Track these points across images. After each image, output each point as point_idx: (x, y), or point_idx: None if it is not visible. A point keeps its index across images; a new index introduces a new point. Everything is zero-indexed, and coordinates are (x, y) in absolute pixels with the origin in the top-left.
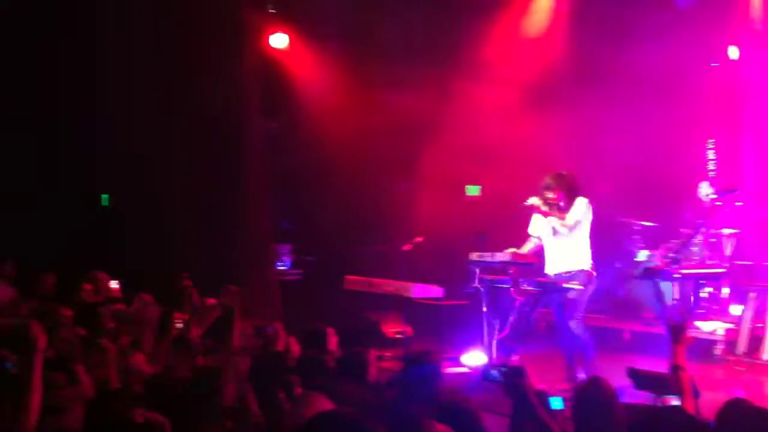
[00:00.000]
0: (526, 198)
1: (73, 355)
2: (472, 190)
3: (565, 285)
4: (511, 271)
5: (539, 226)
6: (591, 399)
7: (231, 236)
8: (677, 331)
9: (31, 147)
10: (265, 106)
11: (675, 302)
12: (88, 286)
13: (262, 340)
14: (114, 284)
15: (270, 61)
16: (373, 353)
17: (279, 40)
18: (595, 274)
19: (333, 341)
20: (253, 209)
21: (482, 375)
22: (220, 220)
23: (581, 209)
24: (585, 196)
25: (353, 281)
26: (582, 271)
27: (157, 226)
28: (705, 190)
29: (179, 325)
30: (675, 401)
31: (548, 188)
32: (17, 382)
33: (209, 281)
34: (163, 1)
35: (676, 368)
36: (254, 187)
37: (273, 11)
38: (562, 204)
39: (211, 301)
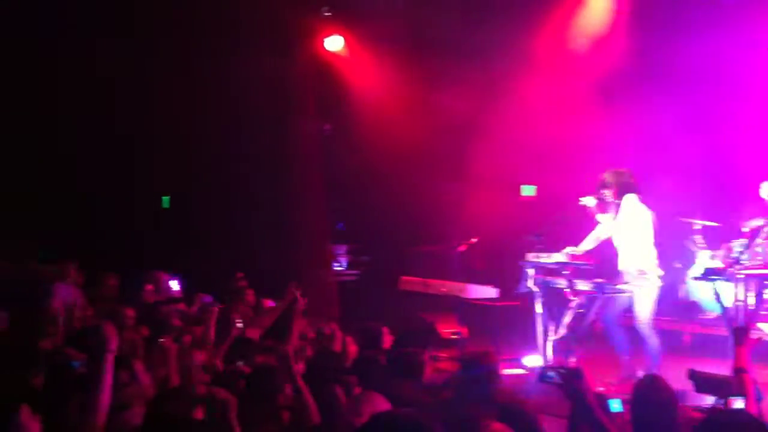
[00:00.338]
0: (582, 197)
1: (135, 354)
2: (528, 190)
3: (620, 286)
4: (566, 272)
5: (604, 226)
6: (649, 398)
7: (288, 237)
8: (740, 333)
9: (92, 150)
10: (319, 108)
11: (738, 304)
12: (149, 287)
13: (320, 340)
14: (174, 284)
15: (325, 63)
16: (427, 353)
17: (334, 43)
18: (659, 275)
19: (388, 341)
20: (310, 210)
21: (539, 377)
22: (278, 221)
23: (628, 208)
24: (641, 194)
25: (408, 282)
26: (637, 270)
27: (216, 228)
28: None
29: (239, 325)
30: (738, 403)
31: (604, 186)
32: (84, 382)
33: (268, 282)
34: (219, 4)
35: (738, 371)
36: (310, 188)
37: (328, 14)
38: (618, 202)
39: (268, 302)
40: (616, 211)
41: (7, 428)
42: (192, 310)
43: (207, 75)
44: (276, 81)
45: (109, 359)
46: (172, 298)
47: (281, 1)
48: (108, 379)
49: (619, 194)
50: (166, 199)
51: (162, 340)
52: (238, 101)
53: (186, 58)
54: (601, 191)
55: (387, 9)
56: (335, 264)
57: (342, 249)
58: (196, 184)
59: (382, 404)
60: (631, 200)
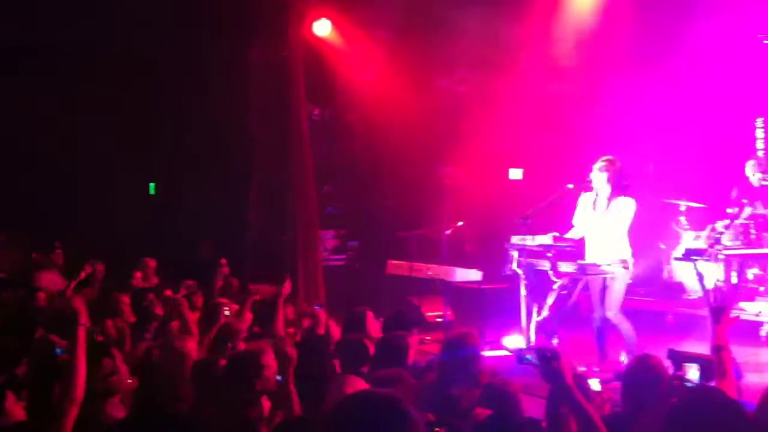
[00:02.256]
0: (569, 181)
1: (122, 342)
2: (516, 173)
3: (603, 267)
4: (550, 254)
5: (582, 216)
6: (640, 376)
7: (277, 221)
8: (719, 312)
9: (82, 137)
10: (309, 92)
11: (718, 283)
12: (138, 273)
13: (306, 325)
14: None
15: (314, 47)
16: (414, 337)
17: (323, 27)
18: (631, 263)
19: (373, 325)
20: (299, 195)
21: (518, 358)
22: (266, 205)
23: (625, 209)
24: (631, 183)
25: (395, 265)
26: (619, 260)
27: (203, 213)
28: (752, 170)
29: (227, 312)
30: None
31: (598, 172)
32: (66, 368)
33: (256, 266)
34: None
35: (717, 348)
36: (299, 172)
37: None
38: (609, 189)
39: (253, 287)
40: (597, 197)
41: None
42: (177, 296)
43: (196, 60)
44: (264, 66)
45: (82, 333)
46: (159, 285)
47: None
48: (82, 353)
49: (612, 182)
50: (152, 185)
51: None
52: (228, 86)
53: (175, 44)
54: (594, 177)
55: None
56: (323, 248)
57: (330, 234)
58: (183, 170)
59: (360, 386)
60: (629, 203)
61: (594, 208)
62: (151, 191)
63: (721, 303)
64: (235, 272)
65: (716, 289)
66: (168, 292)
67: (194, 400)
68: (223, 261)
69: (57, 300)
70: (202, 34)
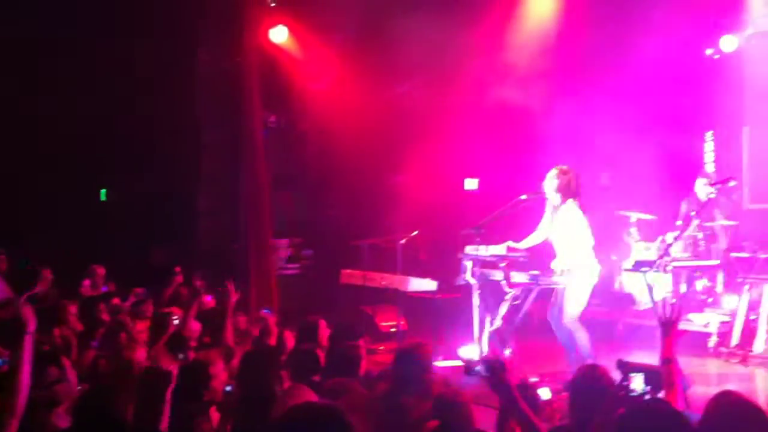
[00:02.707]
0: (523, 192)
1: (69, 351)
2: (471, 183)
3: (555, 277)
4: (503, 265)
5: (542, 224)
6: (586, 386)
7: (230, 230)
8: (667, 325)
9: (30, 141)
10: (266, 99)
11: (667, 295)
12: (86, 281)
13: (255, 334)
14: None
15: (271, 54)
16: (363, 346)
17: (279, 34)
18: (592, 269)
19: (325, 334)
20: (252, 203)
21: (466, 369)
22: (219, 213)
23: (567, 213)
24: (582, 194)
25: (349, 275)
26: (575, 266)
27: (155, 221)
28: (701, 182)
29: (176, 321)
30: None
31: (550, 181)
32: (8, 379)
33: (208, 275)
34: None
35: (665, 361)
36: (252, 180)
37: (273, 4)
38: (559, 198)
39: (207, 297)
40: (554, 208)
41: None
42: (126, 304)
43: (147, 64)
44: (216, 71)
45: (29, 341)
46: (108, 293)
47: None
48: (27, 362)
49: (562, 191)
50: (103, 191)
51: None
52: (183, 94)
53: (129, 51)
54: (545, 187)
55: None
56: (277, 257)
57: (284, 242)
58: (135, 177)
59: (310, 397)
60: (570, 206)
61: (551, 217)
62: (102, 197)
63: (669, 317)
64: (186, 281)
65: (665, 302)
66: (116, 301)
67: (141, 410)
68: (177, 269)
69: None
70: (150, 38)
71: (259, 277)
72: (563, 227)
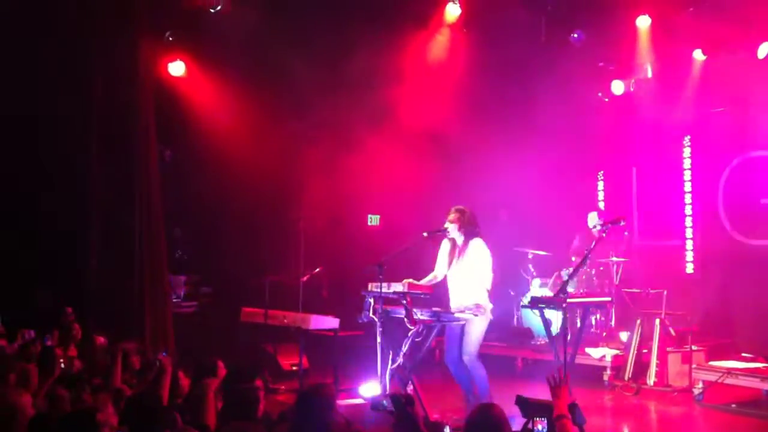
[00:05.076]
0: (424, 229)
1: None
2: (374, 220)
3: (457, 314)
4: (405, 302)
5: (442, 261)
6: (481, 425)
7: (122, 266)
8: (557, 389)
9: None
10: (162, 133)
11: (563, 330)
12: None
13: (149, 376)
14: None
15: (167, 88)
16: (260, 385)
17: (177, 68)
18: (489, 308)
19: (223, 374)
20: (147, 239)
21: (372, 405)
22: (110, 249)
23: (476, 251)
24: (481, 230)
25: (250, 313)
26: (474, 305)
27: (45, 255)
28: (593, 220)
29: (62, 364)
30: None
31: (450, 221)
32: None
33: (100, 314)
34: (59, 25)
35: (558, 417)
36: (147, 216)
37: (171, 39)
38: (462, 237)
39: (100, 339)
40: (454, 245)
41: None
42: (13, 347)
43: (44, 95)
44: (116, 106)
45: None
46: None
47: (123, 24)
48: None
49: (464, 229)
50: None
51: None
52: (77, 123)
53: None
54: (448, 226)
55: (231, 36)
56: (173, 295)
57: (180, 279)
58: (25, 208)
59: None
60: (479, 244)
61: (452, 255)
62: None
63: (558, 381)
64: (77, 320)
65: (559, 368)
66: (2, 342)
67: None
68: (69, 310)
69: None
70: (44, 70)
71: (154, 315)
72: (470, 265)
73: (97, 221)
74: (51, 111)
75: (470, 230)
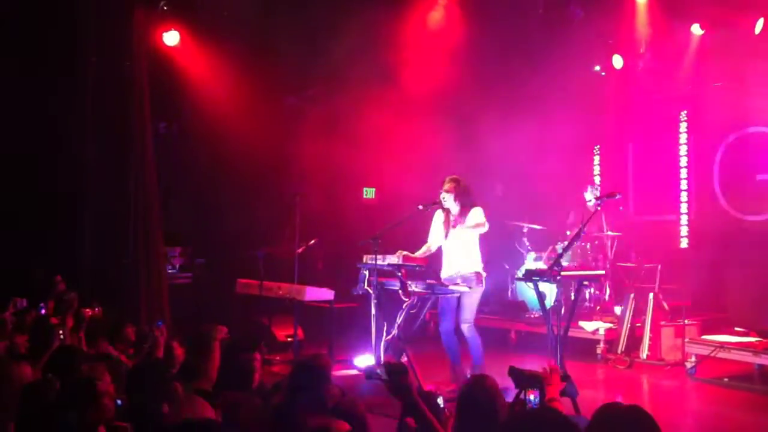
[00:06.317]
0: (420, 202)
1: None
2: (369, 193)
3: (452, 287)
4: (399, 274)
5: (436, 232)
6: (474, 397)
7: (119, 238)
8: (548, 374)
9: None
10: (157, 105)
11: (557, 303)
12: None
13: (145, 346)
14: None
15: (162, 59)
16: (258, 357)
17: (172, 38)
18: (484, 276)
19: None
20: (142, 211)
21: (366, 374)
22: (108, 221)
23: (476, 218)
24: (477, 200)
25: (245, 284)
26: (473, 273)
27: (41, 228)
28: (589, 195)
29: (61, 335)
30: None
31: (446, 191)
32: None
33: (95, 288)
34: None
35: (549, 400)
36: (143, 188)
37: (165, 8)
38: (458, 207)
39: (88, 311)
40: (449, 215)
41: None
42: (5, 315)
43: (46, 72)
44: (110, 76)
45: None
46: None
47: None
48: None
49: (460, 199)
50: None
51: None
52: (69, 96)
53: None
54: (442, 195)
55: (227, 5)
56: (169, 266)
57: (176, 251)
58: (25, 183)
59: (205, 410)
60: (479, 212)
61: (448, 225)
62: None
63: (551, 371)
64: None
65: (557, 308)
66: None
67: (25, 428)
68: (59, 278)
69: None
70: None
71: (149, 287)
72: (467, 234)
73: (92, 194)
74: (45, 82)
75: (466, 200)
